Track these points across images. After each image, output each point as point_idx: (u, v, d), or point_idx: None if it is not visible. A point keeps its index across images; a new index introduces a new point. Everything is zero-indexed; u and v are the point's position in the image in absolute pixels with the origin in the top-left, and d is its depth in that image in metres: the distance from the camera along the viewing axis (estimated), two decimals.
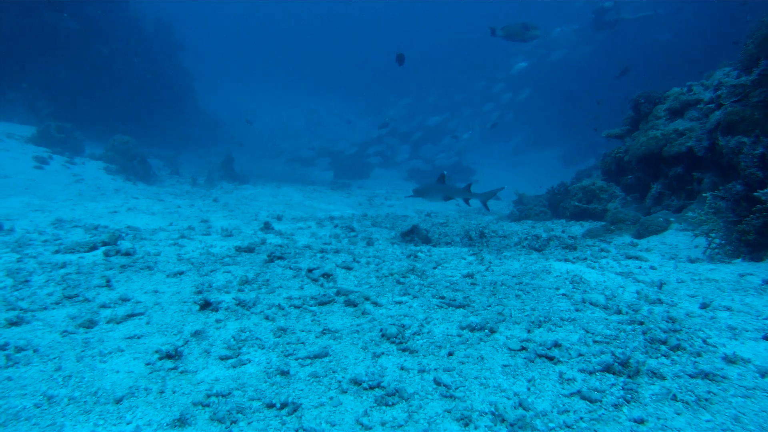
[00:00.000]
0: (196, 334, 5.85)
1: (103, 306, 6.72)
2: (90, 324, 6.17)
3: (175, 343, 5.61)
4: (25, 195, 17.03)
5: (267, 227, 13.53)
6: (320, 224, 14.55)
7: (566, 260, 9.86)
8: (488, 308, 6.64)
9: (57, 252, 9.79)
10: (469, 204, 14.68)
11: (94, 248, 10.06)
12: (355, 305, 6.68)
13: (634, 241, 12.63)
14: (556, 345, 5.44)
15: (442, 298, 7.01)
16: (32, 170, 20.98)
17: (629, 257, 10.25)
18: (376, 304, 6.77)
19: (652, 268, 9.20)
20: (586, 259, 10.06)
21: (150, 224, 14.51)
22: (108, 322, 6.26)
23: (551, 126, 42.26)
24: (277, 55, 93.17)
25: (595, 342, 5.58)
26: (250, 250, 9.57)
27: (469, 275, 8.24)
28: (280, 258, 8.91)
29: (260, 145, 42.15)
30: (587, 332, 5.81)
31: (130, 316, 6.43)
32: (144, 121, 33.75)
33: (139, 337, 5.81)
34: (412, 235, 13.53)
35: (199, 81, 42.79)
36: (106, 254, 9.52)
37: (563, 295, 7.23)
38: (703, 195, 11.48)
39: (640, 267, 9.27)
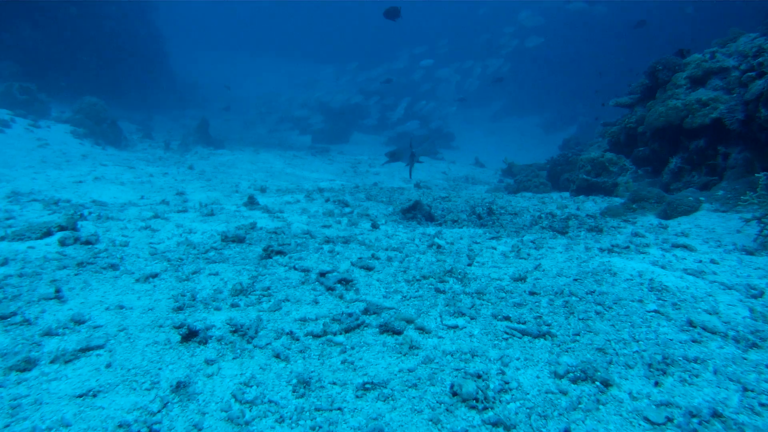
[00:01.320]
0: (179, 388, 3.84)
1: (48, 333, 4.65)
2: (26, 366, 4.13)
3: (147, 407, 3.59)
4: None
5: (251, 202, 11.43)
6: (309, 197, 12.49)
7: (609, 251, 8.08)
8: (577, 339, 4.68)
9: (2, 239, 7.63)
10: (420, 161, 15.25)
11: (48, 234, 7.93)
12: (395, 332, 4.69)
13: (663, 223, 10.80)
14: (716, 415, 3.50)
15: (507, 319, 5.06)
16: None
17: (675, 245, 8.43)
18: (422, 330, 4.79)
19: (713, 261, 7.42)
20: (628, 248, 8.26)
21: (119, 197, 12.34)
22: (52, 362, 4.23)
23: (531, 93, 40.30)
24: (260, 16, 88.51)
25: (761, 405, 3.65)
26: (239, 239, 7.49)
27: (520, 278, 6.28)
28: (280, 253, 6.85)
29: (245, 109, 39.36)
30: (745, 389, 3.86)
31: (85, 351, 4.38)
32: (114, 83, 31.05)
33: (94, 395, 3.79)
34: (414, 212, 11.61)
35: (173, 43, 39.91)
36: (62, 243, 7.40)
37: (655, 312, 5.32)
38: (757, 175, 9.68)
39: (700, 261, 7.46)
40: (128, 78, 32.68)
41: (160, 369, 4.09)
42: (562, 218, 11.26)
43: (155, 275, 6.00)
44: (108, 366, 4.14)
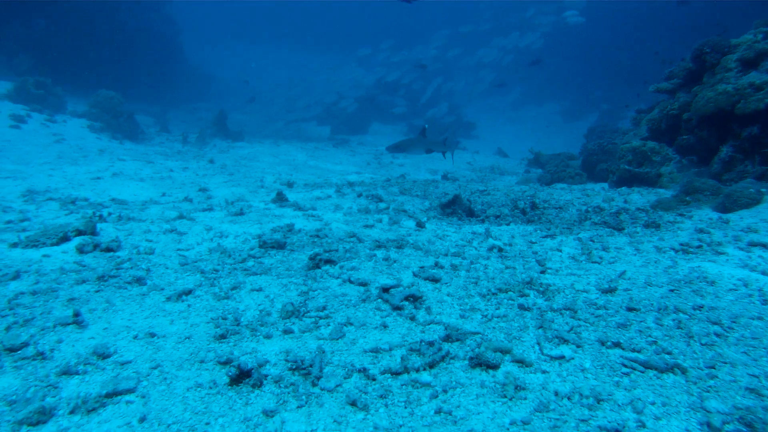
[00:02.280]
0: None
1: (67, 371, 3.73)
2: (40, 418, 3.24)
3: None
4: None
5: (280, 198, 10.49)
6: (340, 192, 11.54)
7: (685, 252, 7.14)
8: (713, 373, 3.72)
9: (15, 246, 6.73)
10: (444, 156, 14.96)
11: (65, 239, 7.02)
12: (490, 366, 3.73)
13: (723, 217, 9.77)
14: None
15: (618, 345, 4.11)
16: (7, 129, 17.64)
17: (752, 244, 7.46)
18: (522, 363, 3.84)
19: None
20: (701, 247, 7.33)
21: (139, 195, 11.45)
22: (72, 412, 3.35)
23: (550, 80, 39.03)
24: (273, 6, 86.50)
25: None
26: (279, 245, 6.54)
27: (609, 290, 5.32)
28: (329, 262, 5.89)
29: (266, 100, 38.17)
30: None
31: (112, 396, 3.46)
32: (129, 75, 30.12)
33: None
34: (454, 207, 10.71)
35: (188, 35, 38.90)
36: (81, 250, 6.48)
37: None
38: None
39: None
40: (143, 70, 31.75)
41: (208, 425, 3.15)
42: (611, 212, 10.30)
43: (188, 292, 5.06)
44: (142, 420, 3.21)
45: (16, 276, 5.50)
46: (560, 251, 7.04)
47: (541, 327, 4.37)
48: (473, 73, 33.73)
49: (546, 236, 8.23)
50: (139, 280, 5.34)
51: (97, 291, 5.09)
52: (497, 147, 27.24)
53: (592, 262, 6.53)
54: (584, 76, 34.60)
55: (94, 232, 7.28)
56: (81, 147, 16.90)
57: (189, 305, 4.79)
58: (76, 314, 4.42)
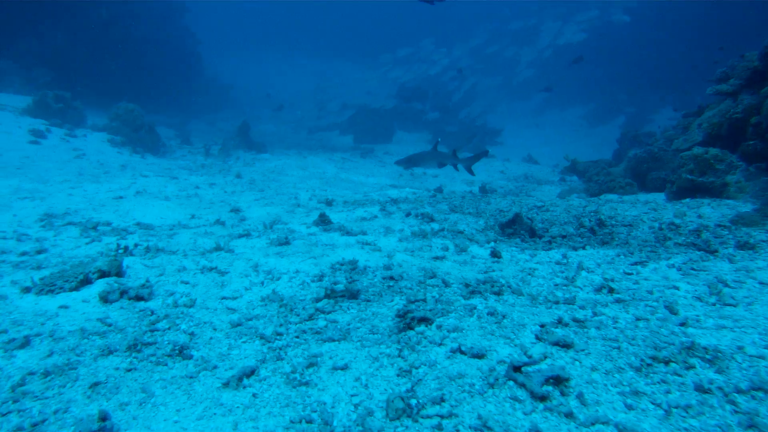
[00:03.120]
0: None
1: None
2: None
3: None
4: (15, 176, 12.58)
5: (323, 221, 9.20)
6: (385, 210, 10.25)
7: None
8: None
9: (28, 291, 5.45)
10: (457, 169, 14.40)
11: (86, 282, 5.75)
12: None
13: None
14: None
15: None
16: (27, 146, 16.45)
17: None
18: None
19: None
20: None
21: (166, 217, 10.19)
22: None
23: (574, 84, 37.46)
24: (285, 15, 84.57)
25: None
26: (351, 294, 5.20)
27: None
28: (424, 320, 4.51)
29: (293, 108, 36.74)
30: None
31: None
32: (148, 87, 28.88)
33: None
34: (515, 226, 9.42)
35: (204, 45, 37.67)
36: (105, 299, 5.20)
37: None
38: None
39: None
40: (162, 82, 30.53)
41: None
42: (691, 230, 8.97)
43: (251, 372, 3.74)
44: None
45: (26, 343, 4.22)
46: (676, 289, 5.67)
47: (751, 427, 3.00)
48: (507, 70, 32.16)
49: (635, 263, 6.95)
50: (182, 351, 4.03)
51: (128, 370, 3.79)
52: (526, 154, 25.83)
53: (727, 305, 5.17)
54: (608, 79, 33.12)
55: (120, 273, 5.99)
56: (102, 162, 15.68)
57: (254, 395, 3.47)
58: (103, 417, 3.09)
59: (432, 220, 9.67)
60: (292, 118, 34.44)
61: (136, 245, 7.39)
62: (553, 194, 16.26)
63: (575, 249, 8.01)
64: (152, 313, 4.84)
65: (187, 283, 5.79)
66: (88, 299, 5.36)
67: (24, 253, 7.43)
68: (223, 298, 5.28)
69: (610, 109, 35.07)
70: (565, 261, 6.98)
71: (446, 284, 5.54)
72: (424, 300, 4.90)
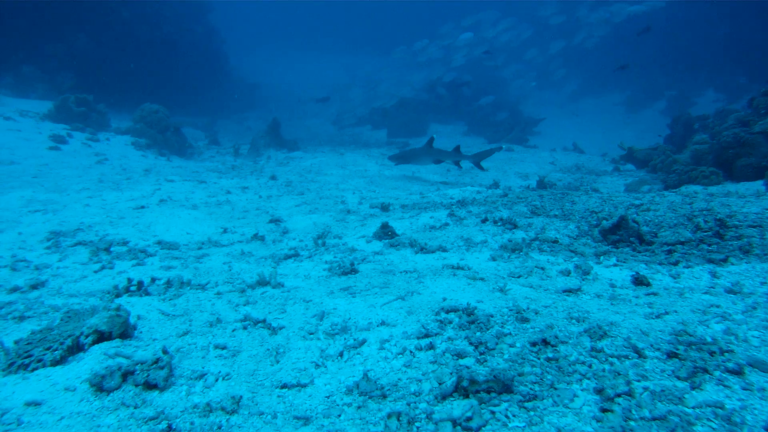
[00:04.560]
0: None
1: None
2: None
3: None
4: (30, 186, 10.64)
5: (386, 233, 7.09)
6: (455, 216, 8.20)
7: None
8: None
9: None
10: (460, 166, 13.91)
11: (76, 349, 3.69)
12: None
13: None
14: None
15: None
16: (46, 152, 14.52)
17: None
18: None
19: None
20: None
21: (193, 231, 8.17)
22: None
23: (609, 69, 34.62)
24: (309, 12, 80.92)
25: None
26: (503, 386, 2.96)
27: None
28: None
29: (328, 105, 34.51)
30: None
31: None
32: (173, 88, 26.82)
33: None
34: (620, 232, 7.24)
35: (229, 44, 35.52)
36: (99, 387, 3.17)
37: None
38: None
39: None
40: (188, 82, 28.46)
41: None
42: None
43: None
44: None
45: None
46: None
47: None
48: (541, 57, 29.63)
49: None
50: None
51: None
52: (569, 143, 23.48)
53: None
54: (645, 63, 30.53)
55: (125, 333, 3.88)
56: (125, 167, 13.69)
57: None
58: None
59: (515, 226, 7.54)
60: (323, 114, 32.23)
61: (153, 280, 5.30)
62: (617, 186, 14.01)
63: (714, 262, 5.80)
64: (170, 429, 2.71)
65: (222, 350, 3.69)
66: (74, 386, 3.30)
67: (15, 289, 5.45)
68: (283, 387, 3.17)
69: (648, 93, 32.36)
70: (707, 281, 4.82)
71: (636, 351, 3.34)
72: (629, 394, 2.72)
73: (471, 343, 3.62)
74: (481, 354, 3.44)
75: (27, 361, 3.71)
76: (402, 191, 11.69)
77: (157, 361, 3.38)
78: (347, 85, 36.94)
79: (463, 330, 3.86)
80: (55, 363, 3.70)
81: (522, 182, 14.06)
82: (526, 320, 3.98)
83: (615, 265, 5.90)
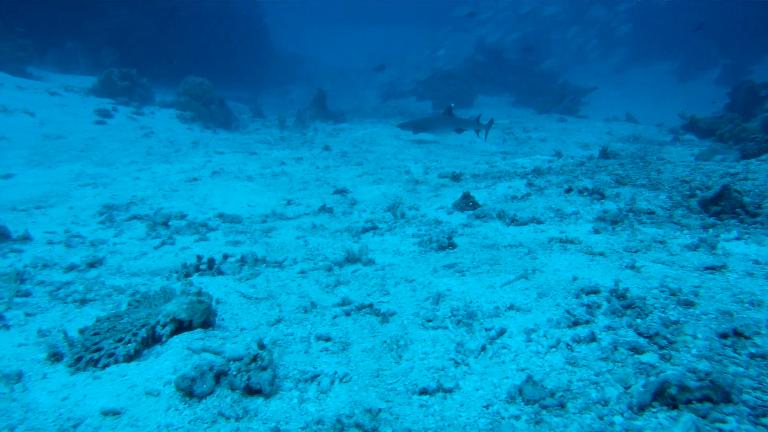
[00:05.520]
0: None
1: None
2: None
3: None
4: (79, 160, 10.09)
5: (468, 203, 6.35)
6: (534, 186, 7.39)
7: None
8: None
9: (57, 361, 2.70)
10: (478, 135, 13.31)
11: (152, 341, 3.00)
12: None
13: None
14: None
15: None
16: (92, 126, 13.99)
17: None
18: None
19: None
20: None
21: (254, 203, 7.50)
22: None
23: (658, 37, 33.00)
24: None
25: None
26: (724, 394, 2.18)
27: None
28: None
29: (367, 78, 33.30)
30: None
31: None
32: (216, 61, 26.14)
33: None
34: (723, 203, 6.61)
35: (270, 17, 34.65)
36: (188, 392, 2.43)
37: None
38: None
39: None
40: (230, 55, 27.74)
41: None
42: None
43: None
44: None
45: None
46: None
47: None
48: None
49: None
50: None
51: None
52: (621, 113, 22.33)
53: None
54: (696, 30, 28.91)
55: (207, 322, 3.17)
56: (171, 140, 13.08)
57: None
58: None
59: (603, 196, 6.71)
60: (368, 85, 31.27)
61: (225, 257, 4.61)
62: (684, 156, 13.01)
63: None
64: None
65: (327, 342, 3.00)
66: (157, 389, 2.61)
67: (72, 267, 4.82)
68: (422, 392, 2.46)
69: (700, 62, 30.72)
70: None
71: None
72: None
73: (640, 334, 2.86)
74: (661, 348, 2.67)
75: (96, 355, 3.05)
76: (464, 161, 10.87)
77: (255, 358, 2.68)
78: (401, 54, 35.57)
79: (619, 316, 3.10)
80: (129, 358, 3.03)
81: (583, 152, 13.15)
82: (689, 304, 3.19)
83: (737, 238, 5.06)
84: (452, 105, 13.47)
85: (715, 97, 24.19)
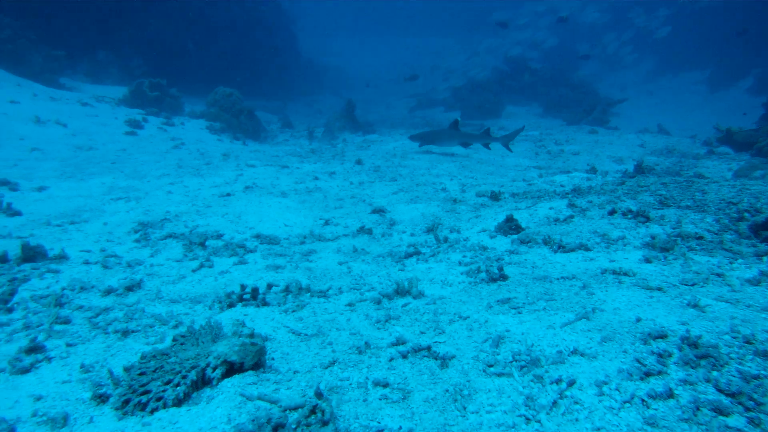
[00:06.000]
0: None
1: None
2: None
3: None
4: (110, 172, 10.07)
5: (511, 226, 6.21)
6: (576, 207, 7.27)
7: None
8: None
9: (102, 402, 2.65)
10: (489, 148, 13.12)
11: (202, 383, 2.91)
12: None
13: None
14: None
15: None
16: (123, 137, 14.02)
17: None
18: None
19: None
20: None
21: (290, 223, 7.40)
22: None
23: (689, 45, 32.38)
24: None
25: None
26: None
27: None
28: None
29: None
30: None
31: None
32: (245, 71, 26.18)
33: None
34: None
35: (298, 26, 34.68)
36: None
37: None
38: None
39: None
40: (259, 64, 27.76)
41: None
42: None
43: None
44: None
45: None
46: None
47: None
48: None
49: None
50: None
51: None
52: (652, 124, 21.94)
53: None
54: (727, 38, 28.22)
55: (259, 363, 3.04)
56: (202, 152, 13.06)
57: None
58: None
59: (648, 219, 6.50)
60: (394, 96, 31.12)
61: (269, 286, 4.47)
62: (722, 171, 12.63)
63: None
64: None
65: (385, 388, 2.87)
66: None
67: (110, 291, 4.71)
68: None
69: (732, 71, 30.14)
70: None
71: None
72: None
73: (720, 390, 2.67)
74: (747, 410, 2.47)
75: (144, 398, 2.92)
76: (499, 177, 10.67)
77: (314, 409, 2.53)
78: (433, 63, 35.35)
79: (693, 367, 2.91)
80: (179, 402, 2.90)
81: (617, 166, 12.88)
82: (767, 354, 2.98)
83: None
84: (458, 119, 13.61)
85: (748, 108, 23.68)
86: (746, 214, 6.61)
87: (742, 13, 30.25)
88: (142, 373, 3.13)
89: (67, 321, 4.24)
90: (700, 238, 6.01)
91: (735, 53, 29.62)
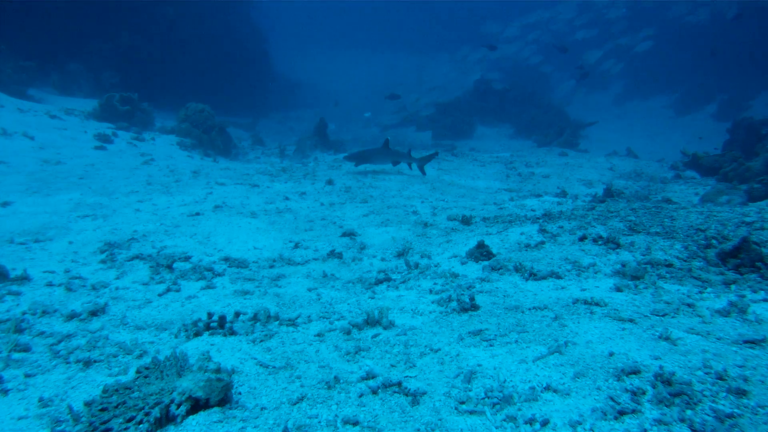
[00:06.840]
0: None
1: None
2: None
3: None
4: (78, 188, 9.88)
5: (482, 253, 6.22)
6: (546, 232, 7.30)
7: None
8: None
9: None
10: (411, 167, 13.93)
11: (166, 420, 2.70)
12: None
13: None
14: None
15: None
16: (92, 152, 13.82)
17: None
18: None
19: None
20: None
21: (259, 245, 7.35)
22: None
23: (658, 71, 33.01)
24: (353, 10, 76.19)
25: None
26: None
27: None
28: None
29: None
30: None
31: None
32: (216, 86, 26.02)
33: None
34: (742, 255, 6.49)
35: (270, 43, 34.61)
36: None
37: None
38: None
39: None
40: (230, 80, 27.61)
41: None
42: None
43: None
44: None
45: None
46: None
47: None
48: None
49: None
50: None
51: None
52: (620, 147, 22.28)
53: None
54: (694, 64, 28.87)
55: (225, 399, 2.95)
56: (172, 169, 12.89)
57: None
58: None
59: (618, 245, 6.55)
60: (363, 115, 31.19)
61: (237, 314, 4.38)
62: (689, 196, 12.88)
63: None
64: None
65: (354, 425, 2.80)
66: None
67: (73, 315, 4.61)
68: None
69: (698, 96, 30.79)
70: None
71: None
72: None
73: (695, 431, 2.65)
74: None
75: None
76: (470, 200, 10.69)
77: None
78: (415, 83, 35.54)
79: (668, 405, 2.90)
80: None
81: (587, 190, 13.04)
82: (741, 393, 2.99)
83: (765, 300, 4.89)
84: (388, 138, 14.36)
85: (713, 133, 24.21)
86: (714, 241, 6.68)
87: (722, 33, 30.76)
88: (103, 409, 3.02)
89: (26, 349, 4.10)
90: (670, 265, 6.05)
91: (704, 77, 30.25)
